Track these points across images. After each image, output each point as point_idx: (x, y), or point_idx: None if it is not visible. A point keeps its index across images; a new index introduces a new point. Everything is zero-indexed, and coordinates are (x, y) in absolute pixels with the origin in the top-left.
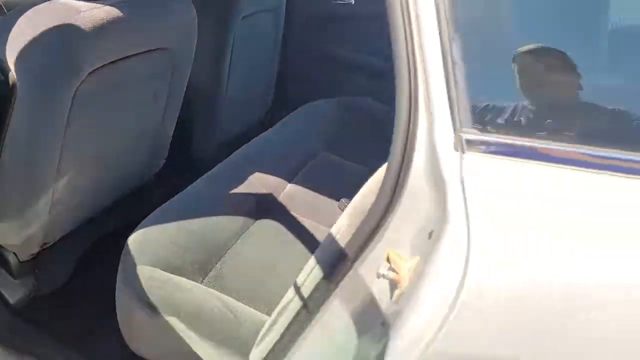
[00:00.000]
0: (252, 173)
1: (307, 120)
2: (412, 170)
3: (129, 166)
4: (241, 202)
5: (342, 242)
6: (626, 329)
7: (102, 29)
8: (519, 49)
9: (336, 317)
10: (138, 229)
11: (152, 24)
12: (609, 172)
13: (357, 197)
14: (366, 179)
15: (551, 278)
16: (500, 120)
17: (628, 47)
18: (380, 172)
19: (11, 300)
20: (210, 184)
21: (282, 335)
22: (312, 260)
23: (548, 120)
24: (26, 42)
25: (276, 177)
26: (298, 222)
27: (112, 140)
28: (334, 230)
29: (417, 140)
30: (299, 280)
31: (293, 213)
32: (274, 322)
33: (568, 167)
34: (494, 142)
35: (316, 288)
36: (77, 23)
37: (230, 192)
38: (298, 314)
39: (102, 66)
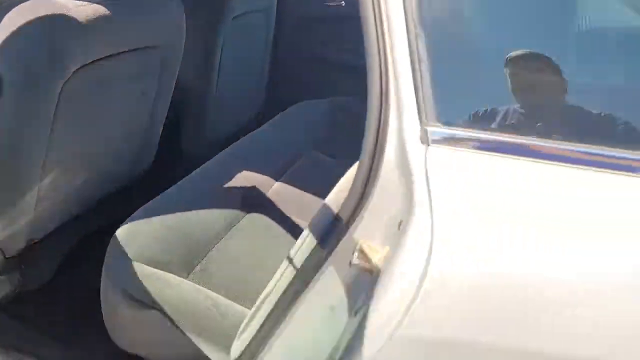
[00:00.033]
0: (239, 171)
1: (297, 119)
2: (384, 163)
3: (117, 163)
4: (228, 199)
5: (317, 236)
6: (584, 322)
7: (90, 26)
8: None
9: (313, 307)
10: (124, 224)
11: (140, 21)
12: (570, 165)
13: (332, 192)
14: None
15: (512, 269)
16: (463, 115)
17: (588, 45)
18: (355, 167)
19: None
20: (198, 181)
21: (262, 325)
22: (292, 251)
23: (512, 115)
24: (12, 39)
25: (264, 175)
26: (285, 220)
27: (99, 138)
28: (309, 224)
29: (389, 133)
30: (278, 273)
31: (280, 211)
32: (254, 314)
33: (529, 159)
34: (457, 136)
35: (292, 282)
36: (64, 20)
37: (217, 189)
38: (277, 304)
39: (89, 63)
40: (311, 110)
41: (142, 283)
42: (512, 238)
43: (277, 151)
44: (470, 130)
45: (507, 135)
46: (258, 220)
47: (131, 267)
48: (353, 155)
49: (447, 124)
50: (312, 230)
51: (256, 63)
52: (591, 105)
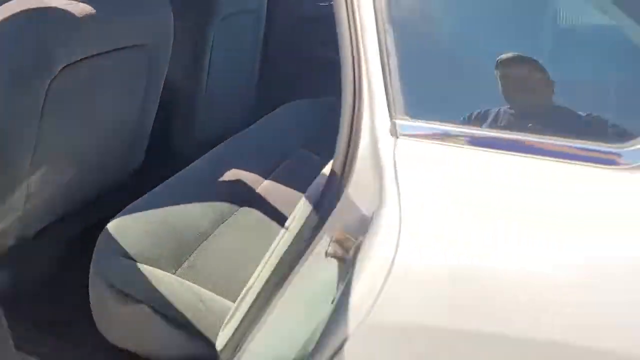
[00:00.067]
0: (228, 169)
1: (288, 118)
2: (358, 157)
3: (106, 162)
4: (217, 196)
5: (297, 228)
6: (545, 308)
7: (76, 25)
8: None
9: (293, 297)
10: (113, 220)
11: (127, 20)
12: (537, 156)
13: (311, 187)
14: None
15: (477, 258)
16: (431, 107)
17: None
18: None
19: None
20: (187, 179)
21: (245, 316)
22: (273, 244)
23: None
24: None
25: (252, 173)
26: (273, 217)
27: (87, 136)
28: (290, 218)
29: (362, 128)
30: (260, 265)
31: (268, 208)
32: (238, 306)
33: (496, 151)
34: (424, 128)
35: (273, 273)
36: (50, 18)
37: (206, 186)
38: (259, 295)
39: (76, 61)
40: (302, 109)
41: (129, 278)
42: (478, 228)
43: (266, 150)
44: (437, 123)
45: (473, 127)
46: (246, 217)
47: (119, 262)
48: None
49: (415, 117)
50: (292, 223)
51: (246, 63)
52: (564, 100)
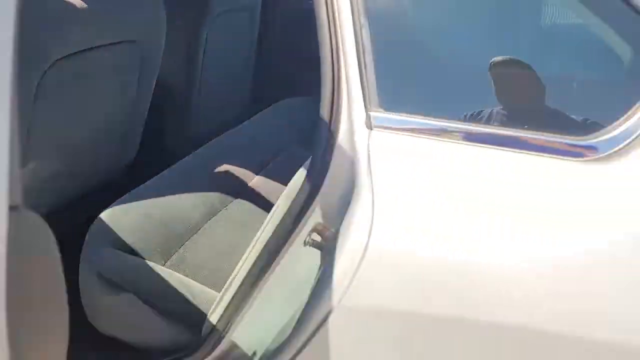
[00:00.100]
0: (220, 164)
1: (281, 115)
2: (336, 148)
3: (98, 157)
4: (208, 190)
5: (279, 218)
6: (503, 295)
7: (66, 19)
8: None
9: (275, 285)
10: (105, 211)
11: (119, 15)
12: (505, 148)
13: (294, 179)
14: None
15: (444, 247)
16: (404, 101)
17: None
18: None
19: None
20: (179, 173)
21: (230, 304)
22: (256, 235)
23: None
24: None
25: (243, 169)
26: (263, 211)
27: (78, 129)
28: (273, 209)
29: (341, 120)
30: (245, 255)
31: (258, 203)
32: (223, 294)
33: (465, 143)
34: (397, 120)
35: (255, 263)
36: (41, 12)
37: (198, 181)
38: (243, 284)
39: (68, 55)
40: (295, 106)
41: (118, 267)
42: (447, 218)
43: (258, 146)
44: (410, 115)
45: (444, 120)
46: (237, 211)
47: (108, 252)
48: None
49: (389, 109)
50: (274, 213)
51: (241, 61)
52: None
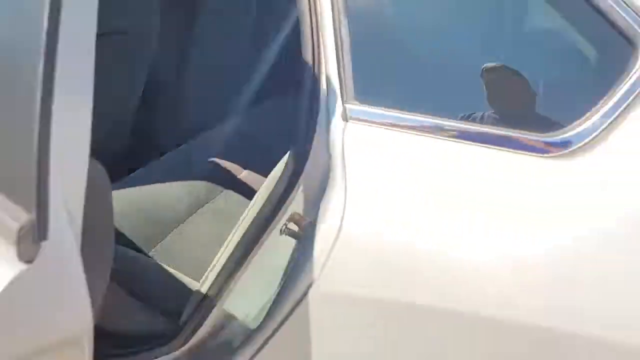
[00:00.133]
0: (209, 157)
1: (271, 112)
2: (314, 139)
3: None
4: (195, 183)
5: (256, 210)
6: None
7: None
8: None
9: (253, 274)
10: None
11: (109, 6)
12: (474, 144)
13: (274, 170)
14: None
15: (413, 237)
16: (380, 94)
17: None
18: None
19: None
20: (166, 165)
21: (208, 291)
22: (236, 225)
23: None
24: None
25: (232, 163)
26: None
27: None
28: (253, 199)
29: (320, 111)
30: (224, 245)
31: (246, 196)
32: (202, 283)
33: (435, 137)
34: (372, 113)
35: (234, 253)
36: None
37: (185, 173)
38: (221, 272)
39: None
40: (286, 104)
41: None
42: (415, 207)
43: (249, 142)
44: (385, 109)
45: (418, 115)
46: (223, 204)
47: None
48: None
49: (365, 102)
50: (254, 204)
51: (234, 59)
52: None
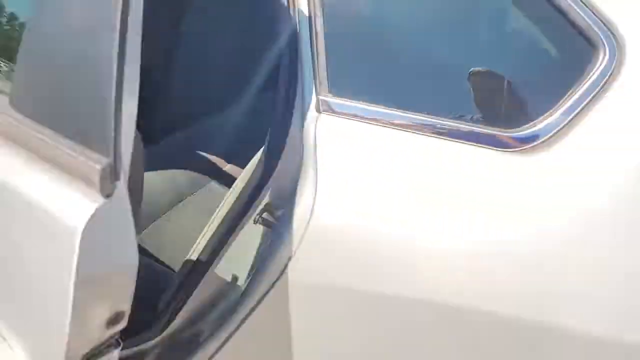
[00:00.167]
0: (193, 150)
1: (258, 105)
2: (290, 130)
3: None
4: (177, 177)
5: (232, 200)
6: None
7: None
8: None
9: (228, 265)
10: None
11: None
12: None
13: (251, 162)
14: None
15: (380, 227)
16: (352, 88)
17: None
18: None
19: None
20: (150, 158)
21: (183, 281)
22: (212, 216)
23: (397, 89)
24: None
25: (216, 157)
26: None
27: None
28: (230, 189)
29: (295, 103)
30: (201, 235)
31: (227, 188)
32: (179, 272)
33: (405, 130)
34: (344, 105)
35: (209, 242)
36: None
37: (170, 165)
38: (197, 262)
39: None
40: (268, 98)
41: None
42: (382, 199)
43: (232, 135)
44: (357, 102)
45: (390, 108)
46: (205, 197)
47: None
48: None
49: (338, 95)
50: (230, 194)
51: (221, 55)
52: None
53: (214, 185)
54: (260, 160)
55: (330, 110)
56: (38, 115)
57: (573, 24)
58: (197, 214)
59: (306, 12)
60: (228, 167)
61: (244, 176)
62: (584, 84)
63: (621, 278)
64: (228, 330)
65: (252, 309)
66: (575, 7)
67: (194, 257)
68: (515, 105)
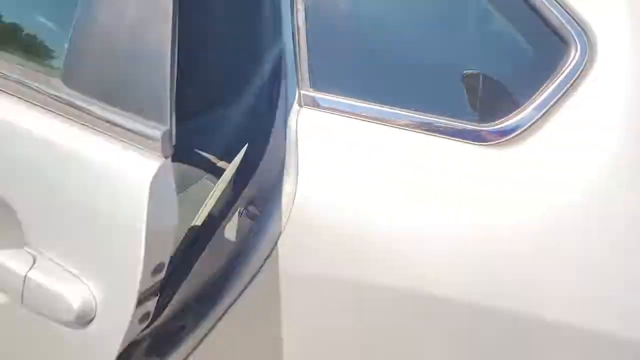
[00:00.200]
0: (185, 147)
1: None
2: (274, 125)
3: None
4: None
5: (218, 193)
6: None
7: None
8: None
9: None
10: None
11: None
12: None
13: (238, 155)
14: None
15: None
16: (333, 82)
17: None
18: None
19: None
20: None
21: (170, 275)
22: (200, 209)
23: (375, 86)
24: None
25: (208, 154)
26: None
27: None
28: (217, 183)
29: (279, 99)
30: (186, 230)
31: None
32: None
33: (386, 124)
34: (325, 100)
35: (199, 230)
36: None
37: None
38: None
39: None
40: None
41: None
42: (361, 192)
43: (224, 132)
44: (338, 96)
45: (371, 103)
46: (196, 194)
47: None
48: None
49: (319, 89)
50: (217, 188)
51: (218, 51)
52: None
53: (206, 182)
54: (245, 154)
55: (312, 104)
56: (95, 92)
57: (546, 22)
58: (189, 212)
59: (287, 6)
60: (221, 164)
61: (230, 169)
62: (557, 79)
63: (591, 270)
64: (212, 320)
65: (235, 300)
66: (549, 6)
67: (179, 251)
68: (491, 100)
